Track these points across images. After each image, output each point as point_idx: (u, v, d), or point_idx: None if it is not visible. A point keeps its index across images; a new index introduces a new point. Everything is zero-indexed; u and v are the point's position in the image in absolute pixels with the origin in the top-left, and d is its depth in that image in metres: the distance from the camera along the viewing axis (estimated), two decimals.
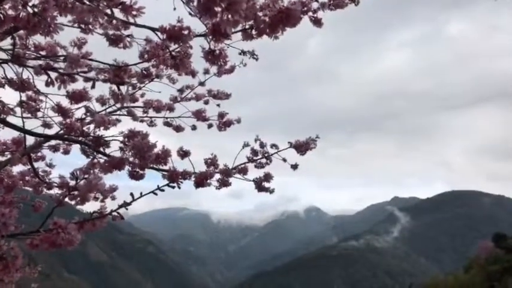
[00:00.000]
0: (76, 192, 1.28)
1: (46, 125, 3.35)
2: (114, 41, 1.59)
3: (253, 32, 1.78)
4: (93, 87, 2.11)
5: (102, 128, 2.50)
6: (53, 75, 2.01)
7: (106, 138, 2.30)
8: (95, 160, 2.94)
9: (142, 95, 4.15)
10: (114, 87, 3.28)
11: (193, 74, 3.67)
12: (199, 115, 4.17)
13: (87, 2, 1.06)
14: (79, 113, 3.25)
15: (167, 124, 4.18)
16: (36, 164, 3.74)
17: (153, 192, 1.51)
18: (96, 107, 3.67)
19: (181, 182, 1.54)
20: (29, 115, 2.73)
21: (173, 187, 1.53)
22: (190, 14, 1.08)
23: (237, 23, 1.06)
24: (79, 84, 3.08)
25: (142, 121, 4.27)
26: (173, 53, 1.72)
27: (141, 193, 1.54)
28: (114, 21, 1.10)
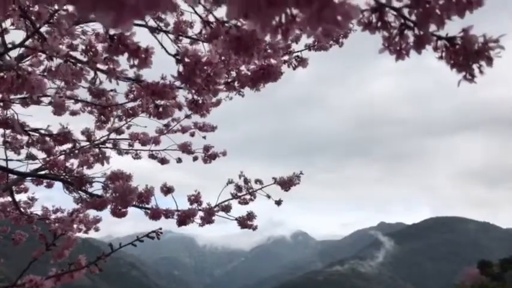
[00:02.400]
0: (53, 247, 1.28)
1: (30, 156, 3.34)
2: (97, 95, 1.62)
3: (236, 84, 1.82)
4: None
5: (85, 166, 2.51)
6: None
7: (89, 179, 2.30)
8: (76, 195, 2.94)
9: (128, 127, 4.16)
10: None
11: (179, 107, 3.71)
12: (184, 148, 4.19)
13: (72, 66, 1.10)
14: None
15: (152, 157, 4.20)
16: (18, 196, 3.71)
17: (131, 243, 1.51)
18: (82, 139, 3.68)
19: (161, 233, 1.54)
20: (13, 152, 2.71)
21: (152, 238, 1.53)
22: (173, 76, 1.11)
23: (217, 91, 1.10)
24: (65, 118, 3.10)
25: (127, 153, 4.27)
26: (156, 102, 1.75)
27: (120, 244, 1.55)
28: (98, 82, 1.14)
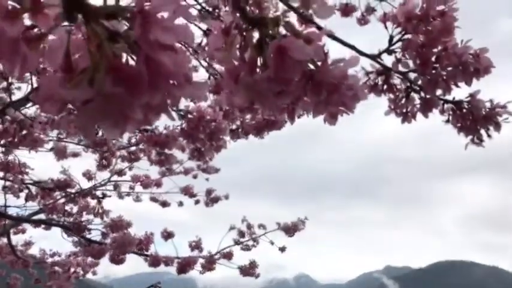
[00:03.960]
0: None
1: (30, 196, 3.31)
2: (99, 144, 1.63)
3: (240, 131, 1.82)
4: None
5: (85, 212, 2.47)
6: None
7: (87, 225, 2.26)
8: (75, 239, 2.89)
9: (130, 168, 4.13)
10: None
11: (183, 149, 3.70)
12: (187, 191, 4.15)
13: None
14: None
15: (154, 200, 4.16)
16: (15, 238, 3.65)
17: None
18: (83, 181, 3.66)
19: (160, 287, 1.49)
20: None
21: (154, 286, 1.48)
22: (176, 130, 1.11)
23: (221, 147, 1.09)
24: (72, 162, 3.09)
25: (128, 194, 4.23)
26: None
27: None
28: (100, 134, 1.13)
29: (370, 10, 2.68)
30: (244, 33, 0.42)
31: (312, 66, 0.43)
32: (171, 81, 0.27)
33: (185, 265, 2.64)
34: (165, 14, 0.25)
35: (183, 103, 1.09)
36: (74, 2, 0.25)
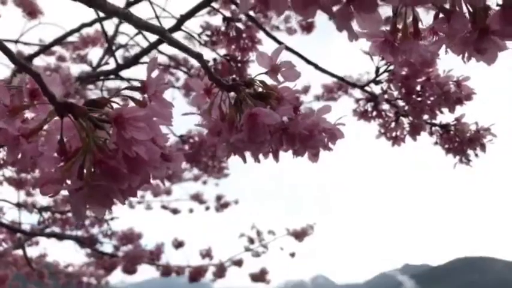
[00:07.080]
0: None
1: (43, 208, 3.39)
2: None
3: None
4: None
5: (97, 225, 2.54)
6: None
7: (99, 237, 2.32)
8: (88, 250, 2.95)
9: None
10: None
11: None
12: (196, 198, 4.22)
13: None
14: None
15: (164, 207, 4.24)
16: (30, 250, 3.74)
17: None
18: None
19: None
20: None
21: None
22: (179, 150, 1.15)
23: (223, 169, 1.13)
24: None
25: (139, 203, 4.30)
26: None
27: None
28: None
29: None
30: (223, 95, 0.46)
31: (286, 119, 0.47)
32: (149, 165, 0.31)
33: (196, 274, 2.69)
34: (140, 115, 0.29)
35: (185, 129, 1.14)
36: (64, 104, 0.30)
